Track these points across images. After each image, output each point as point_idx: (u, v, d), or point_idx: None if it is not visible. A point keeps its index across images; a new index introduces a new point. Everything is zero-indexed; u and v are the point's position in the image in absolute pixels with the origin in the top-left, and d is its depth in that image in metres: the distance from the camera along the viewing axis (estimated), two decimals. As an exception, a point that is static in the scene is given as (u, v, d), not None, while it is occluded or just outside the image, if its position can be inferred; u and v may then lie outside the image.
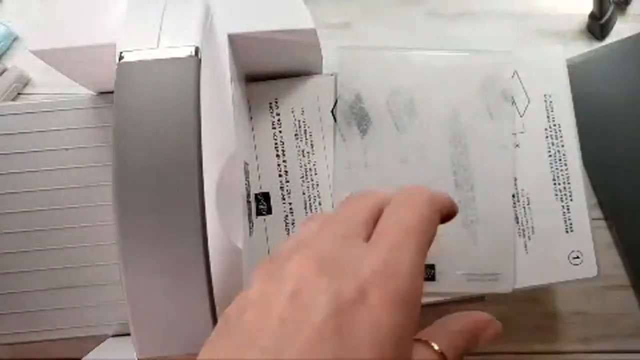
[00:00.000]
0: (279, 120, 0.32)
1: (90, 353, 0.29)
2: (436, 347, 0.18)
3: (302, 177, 0.31)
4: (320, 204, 0.31)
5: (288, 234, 0.31)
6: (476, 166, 0.31)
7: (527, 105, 0.32)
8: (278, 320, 0.15)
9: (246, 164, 0.29)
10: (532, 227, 0.31)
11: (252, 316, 0.15)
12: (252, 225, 0.29)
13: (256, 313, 0.15)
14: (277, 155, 0.32)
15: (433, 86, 0.30)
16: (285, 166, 0.31)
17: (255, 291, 0.16)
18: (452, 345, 0.19)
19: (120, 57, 0.20)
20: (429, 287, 0.30)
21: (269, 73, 0.32)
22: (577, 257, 0.31)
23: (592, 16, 0.35)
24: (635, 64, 0.35)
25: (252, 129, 0.32)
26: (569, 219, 0.32)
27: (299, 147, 0.32)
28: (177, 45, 0.20)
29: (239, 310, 0.16)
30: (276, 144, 0.32)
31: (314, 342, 0.14)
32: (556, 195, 0.32)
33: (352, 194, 0.21)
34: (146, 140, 0.19)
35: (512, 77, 0.32)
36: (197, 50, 0.20)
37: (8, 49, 0.37)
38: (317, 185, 0.31)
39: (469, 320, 0.20)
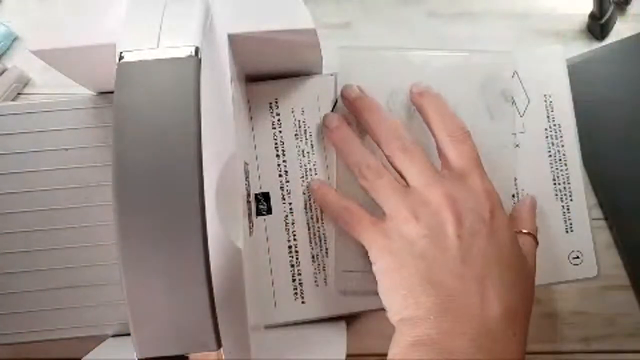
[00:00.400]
0: (279, 120, 0.32)
1: (90, 353, 0.29)
2: (525, 231, 0.29)
3: (302, 177, 0.31)
4: (320, 204, 0.31)
5: (288, 234, 0.31)
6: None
7: (527, 105, 0.32)
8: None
9: (246, 164, 0.29)
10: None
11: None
12: (252, 225, 0.29)
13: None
14: (277, 155, 0.32)
15: (433, 86, 0.30)
16: (285, 166, 0.31)
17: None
18: (531, 224, 0.30)
19: (120, 57, 0.20)
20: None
21: (269, 73, 0.32)
22: (577, 257, 0.31)
23: (592, 16, 0.35)
24: (635, 64, 0.35)
25: (252, 129, 0.32)
26: (569, 219, 0.32)
27: (299, 147, 0.32)
28: (177, 45, 0.20)
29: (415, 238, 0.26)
30: (276, 144, 0.32)
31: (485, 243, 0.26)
32: (556, 195, 0.32)
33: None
34: (146, 140, 0.19)
35: (512, 77, 0.32)
36: (197, 50, 0.20)
37: (8, 49, 0.37)
38: (317, 185, 0.31)
39: (529, 201, 0.31)
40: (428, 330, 0.24)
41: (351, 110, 0.31)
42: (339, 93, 0.31)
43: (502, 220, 0.27)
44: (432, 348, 0.24)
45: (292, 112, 0.32)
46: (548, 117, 0.32)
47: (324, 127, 0.31)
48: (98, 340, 0.30)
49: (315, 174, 0.31)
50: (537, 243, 0.29)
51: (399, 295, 0.25)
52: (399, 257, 0.26)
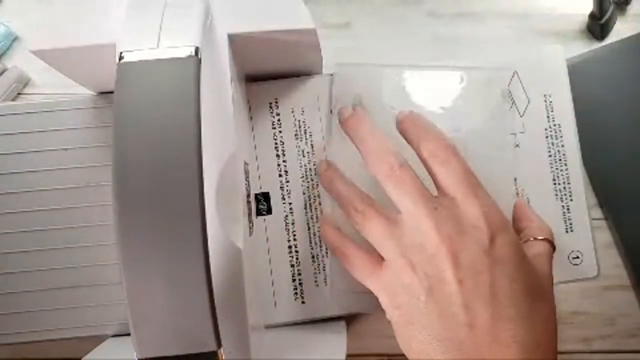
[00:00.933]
0: (279, 120, 0.32)
1: (90, 353, 0.29)
2: (540, 237, 0.28)
3: (302, 177, 0.31)
4: (320, 204, 0.31)
5: (288, 234, 0.31)
6: (476, 166, 0.31)
7: (527, 105, 0.32)
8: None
9: (246, 164, 0.29)
10: (532, 227, 0.31)
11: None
12: (252, 225, 0.29)
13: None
14: (277, 155, 0.32)
15: (430, 97, 0.31)
16: (285, 166, 0.31)
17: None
18: (545, 228, 0.29)
19: (120, 57, 0.20)
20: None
21: (269, 73, 0.32)
22: (577, 257, 0.31)
23: (592, 16, 0.35)
24: (635, 64, 0.35)
25: (252, 129, 0.32)
26: (569, 219, 0.32)
27: (299, 147, 0.32)
28: (177, 45, 0.20)
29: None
30: (276, 144, 0.32)
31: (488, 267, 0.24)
32: (556, 195, 0.32)
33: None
34: (146, 140, 0.19)
35: (512, 77, 0.32)
36: (197, 50, 0.20)
37: (8, 49, 0.37)
38: (317, 185, 0.31)
39: (525, 203, 0.31)
40: None
41: (345, 131, 0.30)
42: (334, 102, 0.31)
43: (504, 242, 0.25)
44: None
45: (292, 112, 0.32)
46: (548, 117, 0.32)
47: (318, 172, 0.31)
48: (98, 340, 0.30)
49: (315, 174, 0.31)
50: (554, 248, 0.28)
51: (413, 352, 0.24)
52: (405, 313, 0.25)
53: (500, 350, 0.23)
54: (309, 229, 0.31)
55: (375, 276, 0.26)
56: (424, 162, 0.27)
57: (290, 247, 0.31)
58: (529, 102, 0.32)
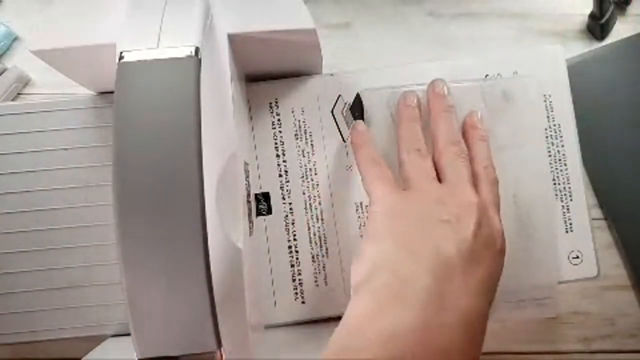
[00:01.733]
0: (279, 120, 0.32)
1: (90, 353, 0.29)
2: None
3: (302, 177, 0.31)
4: (320, 203, 0.31)
5: (288, 233, 0.31)
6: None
7: (527, 105, 0.32)
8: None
9: (246, 164, 0.29)
10: (533, 227, 0.31)
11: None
12: (252, 225, 0.29)
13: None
14: (277, 155, 0.32)
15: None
16: (285, 166, 0.31)
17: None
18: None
19: (120, 57, 0.20)
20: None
21: (269, 73, 0.32)
22: (577, 257, 0.31)
23: (592, 16, 0.35)
24: (635, 64, 0.35)
25: (252, 129, 0.32)
26: (569, 219, 0.32)
27: (299, 147, 0.32)
28: (177, 45, 0.20)
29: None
30: (276, 144, 0.32)
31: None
32: (556, 195, 0.32)
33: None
34: (146, 140, 0.19)
35: (512, 77, 0.32)
36: (197, 50, 0.20)
37: (8, 49, 0.37)
38: (317, 185, 0.31)
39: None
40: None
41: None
42: (338, 93, 0.31)
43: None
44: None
45: (292, 112, 0.32)
46: (548, 117, 0.32)
47: (398, 103, 0.30)
48: (98, 340, 0.30)
49: (315, 174, 0.31)
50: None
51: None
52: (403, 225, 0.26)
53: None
54: (309, 229, 0.31)
55: (393, 189, 0.27)
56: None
57: (290, 247, 0.31)
58: (529, 102, 0.32)
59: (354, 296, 0.24)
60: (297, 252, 0.31)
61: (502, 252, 0.26)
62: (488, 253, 0.25)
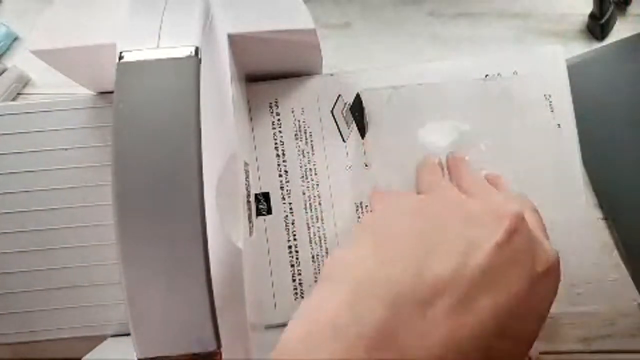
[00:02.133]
0: (279, 120, 0.32)
1: (90, 353, 0.29)
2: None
3: (302, 177, 0.31)
4: (320, 203, 0.31)
5: (288, 234, 0.31)
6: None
7: (527, 106, 0.32)
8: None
9: (246, 164, 0.29)
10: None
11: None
12: (252, 225, 0.29)
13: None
14: (277, 155, 0.32)
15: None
16: (285, 166, 0.31)
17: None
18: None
19: (120, 57, 0.20)
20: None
21: (269, 73, 0.32)
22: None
23: (592, 16, 0.35)
24: (635, 64, 0.35)
25: (252, 129, 0.32)
26: (569, 219, 0.32)
27: (299, 147, 0.32)
28: (177, 45, 0.20)
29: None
30: (276, 144, 0.32)
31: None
32: (556, 195, 0.32)
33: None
34: (146, 140, 0.19)
35: (512, 77, 0.32)
36: (197, 50, 0.20)
37: (8, 49, 0.37)
38: (317, 185, 0.31)
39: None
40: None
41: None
42: (338, 93, 0.31)
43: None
44: None
45: (292, 112, 0.32)
46: (548, 117, 0.32)
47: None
48: (98, 340, 0.30)
49: (315, 174, 0.31)
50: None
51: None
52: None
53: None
54: (309, 229, 0.31)
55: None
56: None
57: (290, 247, 0.31)
58: (529, 102, 0.32)
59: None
60: (297, 252, 0.31)
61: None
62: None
